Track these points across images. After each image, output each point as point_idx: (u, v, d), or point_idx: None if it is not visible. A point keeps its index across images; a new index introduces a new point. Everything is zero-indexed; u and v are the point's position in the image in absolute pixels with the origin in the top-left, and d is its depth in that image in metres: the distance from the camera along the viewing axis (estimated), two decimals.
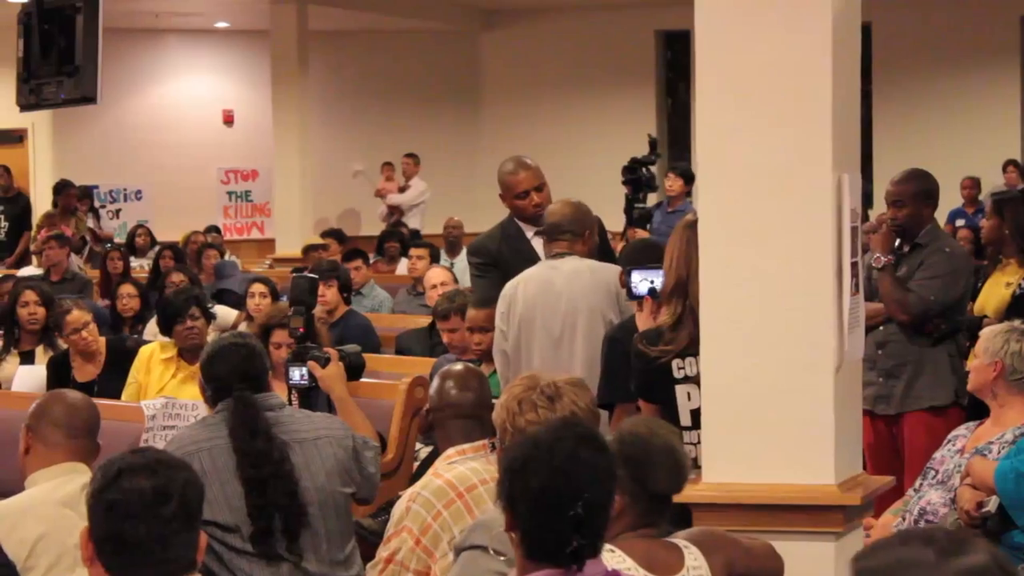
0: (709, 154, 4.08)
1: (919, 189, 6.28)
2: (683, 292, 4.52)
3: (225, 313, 9.15)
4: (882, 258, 6.18)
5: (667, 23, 17.66)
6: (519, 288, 5.81)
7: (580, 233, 5.85)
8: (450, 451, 4.40)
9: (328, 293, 8.19)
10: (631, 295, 5.10)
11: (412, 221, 16.73)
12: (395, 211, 17.00)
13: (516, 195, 6.32)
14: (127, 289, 9.57)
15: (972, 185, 15.20)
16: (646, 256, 5.24)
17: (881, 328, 6.19)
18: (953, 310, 6.21)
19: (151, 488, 2.78)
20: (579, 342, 5.66)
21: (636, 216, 9.66)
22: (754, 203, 4.00)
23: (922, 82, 16.83)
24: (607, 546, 3.12)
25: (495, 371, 6.29)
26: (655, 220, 11.67)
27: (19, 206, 15.33)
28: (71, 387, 6.85)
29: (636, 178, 9.11)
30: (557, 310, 5.69)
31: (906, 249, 6.28)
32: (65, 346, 7.78)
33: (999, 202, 7.22)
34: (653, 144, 10.52)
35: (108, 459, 2.91)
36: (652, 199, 11.00)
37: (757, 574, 3.55)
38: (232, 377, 4.65)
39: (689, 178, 11.76)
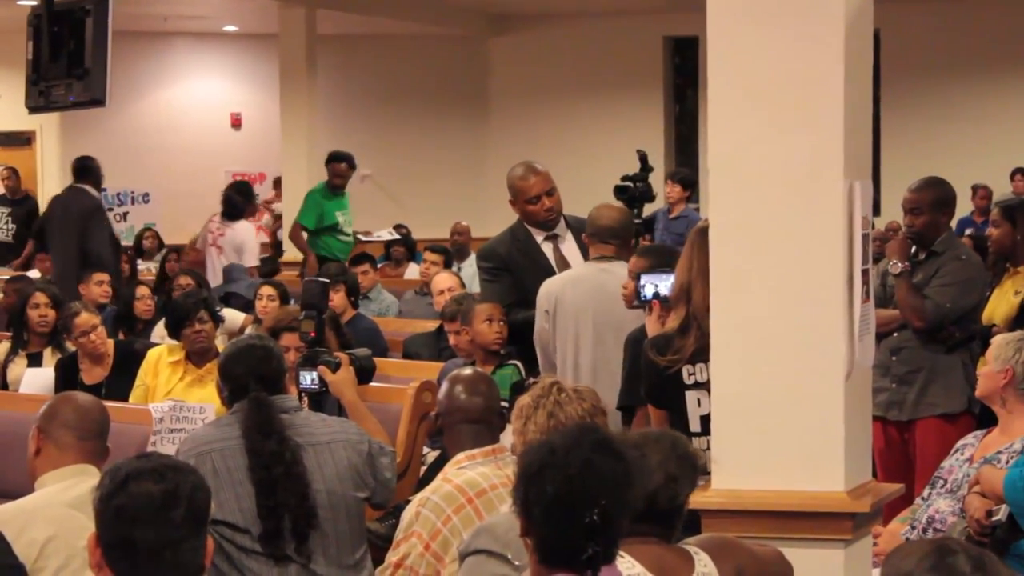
0: (720, 161, 4.08)
1: (936, 197, 6.30)
2: (688, 298, 4.54)
3: (233, 316, 9.15)
4: (899, 265, 6.19)
5: (676, 29, 17.66)
6: (567, 288, 5.82)
7: (627, 240, 5.90)
8: (460, 456, 4.40)
9: (335, 297, 8.18)
10: (639, 299, 5.12)
11: None
12: (279, 219, 16.71)
13: (528, 200, 6.34)
14: (144, 291, 9.39)
15: (986, 195, 15.14)
16: (659, 259, 5.28)
17: (895, 334, 6.20)
18: (968, 318, 6.22)
19: (160, 492, 2.78)
20: None
21: (635, 231, 9.71)
22: (765, 210, 4.00)
23: (931, 89, 16.82)
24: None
25: (494, 369, 6.32)
26: (658, 227, 11.70)
27: (27, 208, 15.33)
28: (79, 389, 6.85)
29: (629, 196, 9.20)
30: (612, 313, 5.68)
31: (922, 256, 6.30)
32: (73, 348, 7.78)
33: (1010, 208, 7.21)
34: (643, 159, 10.60)
35: (114, 464, 2.90)
36: (650, 208, 11.05)
37: None
38: (248, 378, 4.67)
39: (688, 183, 11.81)
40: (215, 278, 11.71)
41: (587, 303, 5.75)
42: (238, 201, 12.27)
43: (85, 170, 11.22)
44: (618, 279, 5.71)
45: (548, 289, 5.87)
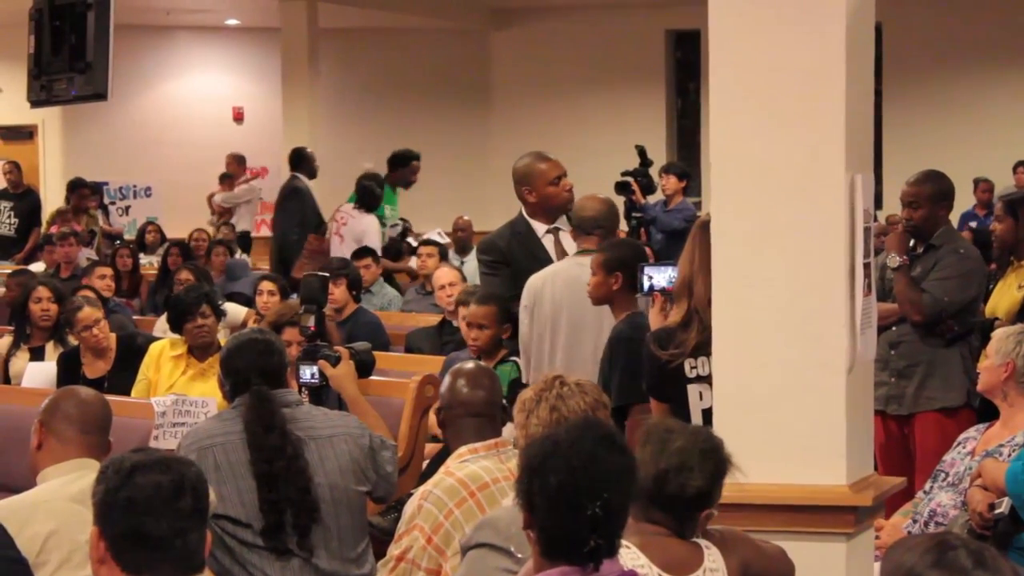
0: (722, 154, 4.08)
1: (935, 190, 6.29)
2: (690, 291, 4.54)
3: (235, 310, 9.15)
4: (897, 258, 6.19)
5: (678, 23, 17.66)
6: (546, 284, 5.83)
7: (612, 230, 5.92)
8: (462, 449, 4.39)
9: (337, 291, 8.19)
10: (641, 291, 5.14)
11: (242, 223, 16.29)
12: (225, 213, 16.57)
13: (549, 182, 6.35)
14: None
15: (988, 189, 15.13)
16: (619, 253, 5.31)
17: (894, 328, 6.20)
18: (966, 311, 6.22)
19: (168, 482, 2.80)
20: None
21: (635, 225, 9.74)
22: (767, 203, 4.00)
23: (932, 83, 16.81)
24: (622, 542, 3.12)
25: (496, 364, 6.33)
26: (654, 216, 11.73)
27: (29, 202, 15.33)
28: (81, 383, 6.84)
29: (636, 189, 9.21)
30: (585, 308, 5.69)
31: (920, 250, 6.29)
32: (75, 342, 7.78)
33: (1013, 203, 7.18)
34: (642, 153, 10.59)
35: (113, 459, 2.91)
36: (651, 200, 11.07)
37: None
38: (250, 372, 4.67)
39: (683, 175, 11.81)
40: None
41: (563, 299, 5.76)
42: (378, 193, 12.17)
43: (296, 159, 12.48)
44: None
45: (530, 284, 5.90)
